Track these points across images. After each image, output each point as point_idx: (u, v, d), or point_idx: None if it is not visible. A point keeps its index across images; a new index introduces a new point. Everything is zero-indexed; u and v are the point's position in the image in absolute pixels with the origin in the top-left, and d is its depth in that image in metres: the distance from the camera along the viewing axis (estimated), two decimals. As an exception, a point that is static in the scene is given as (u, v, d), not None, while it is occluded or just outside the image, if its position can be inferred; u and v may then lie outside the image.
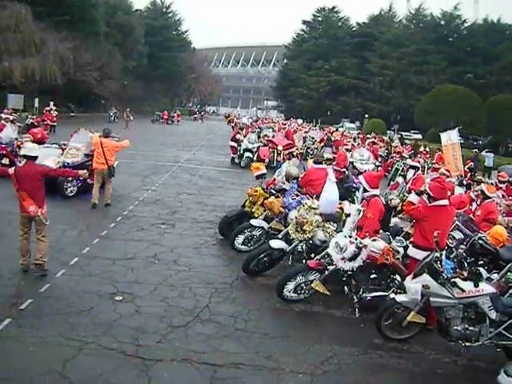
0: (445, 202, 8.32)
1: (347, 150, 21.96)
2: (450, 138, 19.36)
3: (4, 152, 17.09)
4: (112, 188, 14.70)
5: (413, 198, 10.01)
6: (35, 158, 9.01)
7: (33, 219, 8.75)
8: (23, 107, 42.50)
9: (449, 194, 9.55)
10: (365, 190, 9.50)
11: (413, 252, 8.51)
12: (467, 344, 7.21)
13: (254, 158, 25.99)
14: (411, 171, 15.75)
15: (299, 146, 28.53)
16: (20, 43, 46.96)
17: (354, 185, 13.17)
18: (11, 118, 20.67)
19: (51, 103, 38.29)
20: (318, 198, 10.03)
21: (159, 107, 76.34)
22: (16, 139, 18.13)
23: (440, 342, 7.56)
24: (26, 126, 23.22)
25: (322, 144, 29.19)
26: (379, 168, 21.31)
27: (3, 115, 21.84)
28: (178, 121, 67.28)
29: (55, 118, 35.58)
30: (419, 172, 15.52)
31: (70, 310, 7.52)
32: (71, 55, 51.65)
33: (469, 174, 21.71)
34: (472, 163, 23.98)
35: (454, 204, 9.75)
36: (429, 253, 7.57)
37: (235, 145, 26.93)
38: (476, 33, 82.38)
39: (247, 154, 26.13)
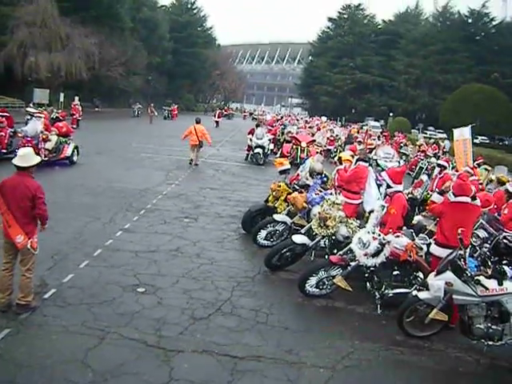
0: (465, 198, 8.19)
1: (371, 149, 22.00)
2: (463, 133, 19.27)
3: (29, 145, 17.23)
4: (200, 155, 23.05)
5: (436, 197, 9.91)
6: (29, 168, 7.12)
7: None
8: (48, 102, 42.86)
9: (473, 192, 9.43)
10: (388, 186, 9.46)
11: (433, 249, 8.47)
12: (490, 343, 7.15)
13: (267, 152, 26.49)
14: (437, 169, 15.62)
15: (323, 143, 28.39)
16: (46, 38, 47.71)
17: (378, 182, 13.13)
18: (42, 110, 21.23)
19: (76, 98, 38.65)
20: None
21: (183, 103, 76.18)
22: (41, 132, 18.37)
23: (462, 340, 7.49)
24: (52, 119, 23.44)
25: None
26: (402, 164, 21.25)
27: (32, 109, 22.33)
28: (176, 115, 61.00)
29: (81, 113, 36.05)
30: (446, 171, 15.35)
31: (92, 300, 7.59)
32: (97, 50, 52.23)
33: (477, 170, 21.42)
34: (482, 160, 23.64)
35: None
36: (451, 251, 7.50)
37: (250, 143, 26.86)
38: (504, 31, 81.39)
39: (257, 150, 25.80)
